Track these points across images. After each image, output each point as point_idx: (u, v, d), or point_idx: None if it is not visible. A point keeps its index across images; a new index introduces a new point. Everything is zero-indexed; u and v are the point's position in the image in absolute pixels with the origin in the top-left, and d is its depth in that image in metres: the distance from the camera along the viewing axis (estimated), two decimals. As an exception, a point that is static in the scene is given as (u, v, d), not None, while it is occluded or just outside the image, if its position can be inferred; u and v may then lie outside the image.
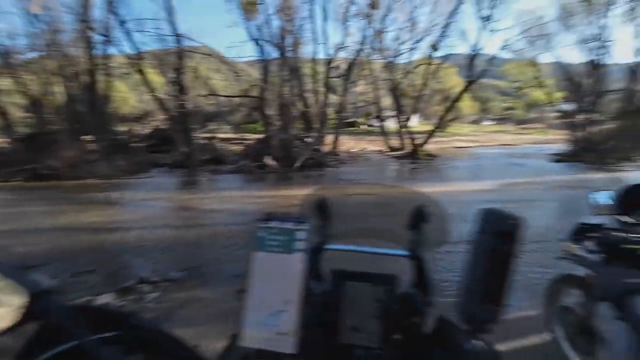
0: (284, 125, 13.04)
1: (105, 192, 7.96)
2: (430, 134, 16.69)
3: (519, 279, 3.23)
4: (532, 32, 16.34)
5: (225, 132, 16.71)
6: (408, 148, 16.33)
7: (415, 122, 23.71)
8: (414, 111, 20.03)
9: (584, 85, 16.02)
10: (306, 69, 17.53)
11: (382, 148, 18.47)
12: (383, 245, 0.71)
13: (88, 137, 12.08)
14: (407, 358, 0.60)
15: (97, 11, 12.32)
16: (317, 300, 0.65)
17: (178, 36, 12.29)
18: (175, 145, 12.89)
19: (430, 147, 16.60)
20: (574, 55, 21.71)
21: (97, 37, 12.30)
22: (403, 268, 0.67)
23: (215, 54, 14.27)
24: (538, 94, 24.41)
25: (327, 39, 16.95)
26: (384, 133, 18.84)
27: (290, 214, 0.57)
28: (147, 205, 6.74)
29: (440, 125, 19.09)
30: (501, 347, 2.22)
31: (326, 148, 14.83)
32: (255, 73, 14.51)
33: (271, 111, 13.25)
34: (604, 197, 1.63)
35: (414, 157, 15.13)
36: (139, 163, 11.83)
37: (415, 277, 0.66)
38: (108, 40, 12.29)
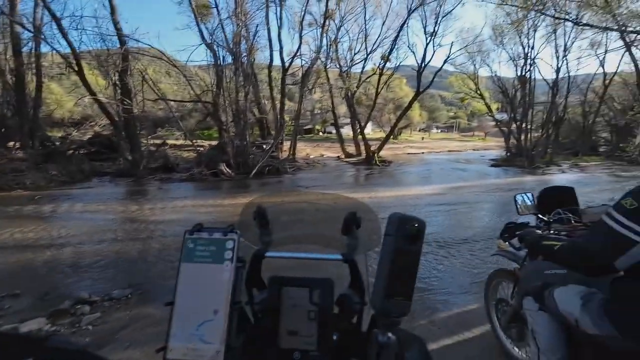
0: (240, 131, 12.77)
1: (35, 204, 7.13)
2: (385, 141, 17.44)
3: (468, 277, 3.48)
4: (471, 48, 17.96)
5: (176, 139, 15.92)
6: (364, 154, 16.88)
7: (369, 130, 24.64)
8: (368, 119, 20.80)
9: (515, 97, 17.91)
10: (262, 76, 17.43)
11: (339, 154, 18.89)
12: (321, 250, 0.74)
13: (14, 144, 10.76)
14: (344, 358, 0.63)
15: (26, 4, 11.17)
16: (257, 307, 0.66)
17: (121, 36, 11.54)
18: (119, 153, 11.99)
19: (384, 153, 17.31)
20: (507, 71, 24.35)
21: (25, 33, 11.10)
22: (342, 271, 0.70)
23: (165, 57, 13.57)
24: (478, 105, 26.73)
25: (283, 47, 16.91)
26: (340, 140, 19.30)
27: (220, 225, 0.57)
28: (86, 218, 6.15)
29: (393, 133, 20.04)
30: (449, 340, 2.37)
31: (284, 155, 14.78)
32: (209, 78, 14.05)
33: (226, 117, 12.92)
34: (526, 199, 1.85)
35: (370, 163, 15.67)
36: (77, 172, 10.80)
37: (351, 279, 0.69)
38: (39, 37, 11.13)
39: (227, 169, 11.57)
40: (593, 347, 1.20)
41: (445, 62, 16.94)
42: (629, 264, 0.96)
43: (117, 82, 11.72)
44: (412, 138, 39.24)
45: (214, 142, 14.59)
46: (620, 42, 16.03)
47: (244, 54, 13.18)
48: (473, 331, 2.45)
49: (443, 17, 15.57)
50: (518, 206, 1.84)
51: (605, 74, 19.55)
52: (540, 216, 1.73)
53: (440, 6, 15.26)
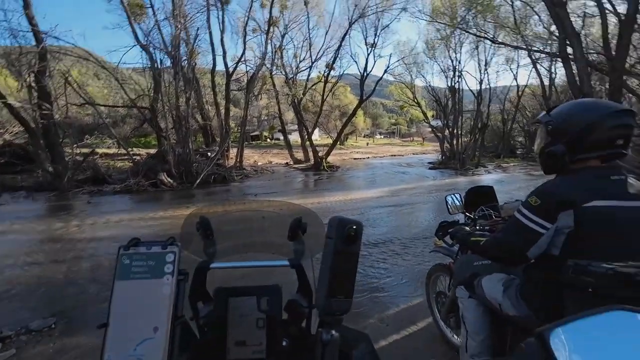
0: (181, 138, 12.07)
1: None
2: (332, 146, 17.85)
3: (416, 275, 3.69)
4: (407, 60, 19.37)
5: (108, 147, 14.49)
6: (312, 160, 17.07)
7: (316, 136, 25.05)
8: (315, 125, 21.17)
9: (447, 106, 19.68)
10: (205, 80, 16.74)
11: (287, 161, 18.85)
12: (268, 257, 0.75)
13: None
14: None
15: None
16: (203, 321, 0.64)
17: (38, 33, 10.25)
18: (37, 164, 10.55)
19: (332, 158, 17.70)
20: (439, 82, 26.74)
21: None
22: (291, 277, 0.71)
23: (93, 58, 12.32)
24: (416, 112, 28.78)
25: (226, 51, 16.42)
26: (289, 146, 19.29)
27: (158, 239, 0.55)
28: (-5, 240, 5.29)
29: (340, 139, 20.63)
30: (398, 335, 2.49)
31: (230, 162, 14.32)
32: (145, 82, 13.09)
33: (166, 123, 12.13)
34: (455, 199, 2.04)
35: (318, 168, 15.88)
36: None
37: (298, 284, 0.71)
38: None
39: (168, 179, 10.86)
40: (513, 327, 1.36)
41: (385, 72, 18.03)
42: (537, 253, 1.11)
43: (33, 84, 10.34)
44: (357, 143, 40.76)
45: (153, 151, 13.60)
46: (528, 60, 18.59)
47: (184, 58, 12.57)
48: (419, 323, 2.61)
49: (382, 29, 16.60)
50: (449, 206, 2.02)
51: (518, 86, 22.49)
52: (467, 214, 1.93)
53: (379, 20, 16.27)
